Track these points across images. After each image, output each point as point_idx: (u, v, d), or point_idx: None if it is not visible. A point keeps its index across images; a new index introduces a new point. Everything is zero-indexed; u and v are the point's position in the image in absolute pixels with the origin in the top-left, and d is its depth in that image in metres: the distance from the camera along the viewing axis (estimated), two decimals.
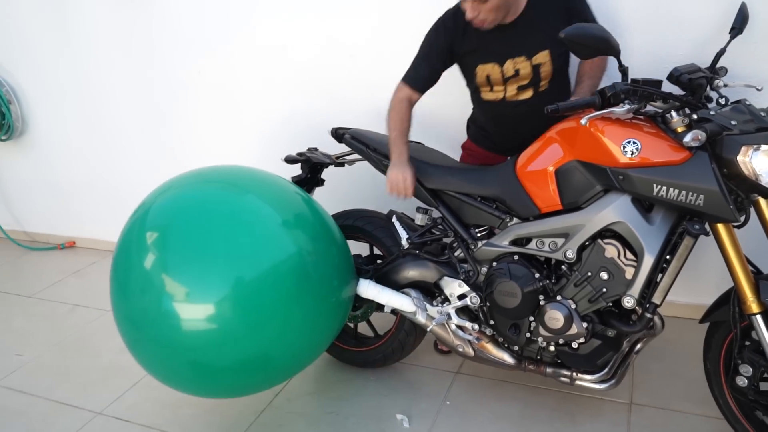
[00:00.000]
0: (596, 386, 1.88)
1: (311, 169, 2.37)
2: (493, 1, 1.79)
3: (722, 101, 1.69)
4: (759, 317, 1.56)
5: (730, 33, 1.87)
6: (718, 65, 1.92)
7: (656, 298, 1.67)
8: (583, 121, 1.60)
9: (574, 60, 2.03)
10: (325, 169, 2.42)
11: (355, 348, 2.35)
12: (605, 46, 1.52)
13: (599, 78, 2.02)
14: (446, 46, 1.98)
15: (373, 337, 2.38)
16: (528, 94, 2.00)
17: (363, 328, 2.43)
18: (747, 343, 1.66)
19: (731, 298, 1.64)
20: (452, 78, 2.07)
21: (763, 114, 1.59)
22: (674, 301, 2.48)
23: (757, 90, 1.86)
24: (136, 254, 1.76)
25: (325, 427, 2.09)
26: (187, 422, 2.17)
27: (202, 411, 2.22)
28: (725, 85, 1.80)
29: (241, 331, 1.73)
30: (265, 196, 1.91)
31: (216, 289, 1.70)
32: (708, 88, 1.74)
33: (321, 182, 2.45)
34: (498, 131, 2.15)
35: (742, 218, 1.60)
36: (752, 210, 1.63)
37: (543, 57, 1.93)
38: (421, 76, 2.02)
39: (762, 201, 1.68)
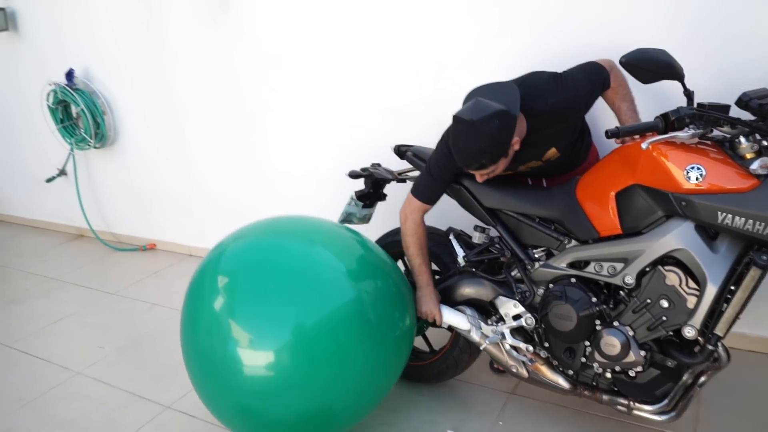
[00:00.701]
0: (655, 417, 1.82)
1: (374, 184, 2.44)
2: (500, 167, 1.82)
3: None
4: None
5: None
6: None
7: (719, 330, 1.60)
8: (644, 146, 1.57)
9: None
10: (387, 185, 2.48)
11: (411, 362, 2.38)
12: (668, 70, 1.50)
13: (629, 94, 1.98)
14: (458, 170, 1.99)
15: (428, 352, 2.41)
16: (540, 167, 2.05)
17: (419, 342, 2.46)
18: None
19: None
20: None
21: None
22: (749, 334, 2.36)
23: None
24: (208, 295, 1.86)
25: None
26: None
27: None
28: None
29: (300, 379, 1.77)
30: (330, 245, 1.97)
31: (276, 337, 1.76)
32: None
33: (383, 197, 2.52)
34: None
35: None
36: None
37: (551, 153, 1.96)
38: (435, 195, 2.05)
39: None
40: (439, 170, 2.01)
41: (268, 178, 3.49)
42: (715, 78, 2.15)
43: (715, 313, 1.61)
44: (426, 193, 2.05)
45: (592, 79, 1.90)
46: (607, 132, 1.63)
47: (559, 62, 2.03)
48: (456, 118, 1.73)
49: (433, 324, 2.14)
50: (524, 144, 1.85)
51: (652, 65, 1.49)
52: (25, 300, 3.58)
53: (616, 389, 1.86)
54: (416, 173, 2.37)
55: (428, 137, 2.64)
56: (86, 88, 3.95)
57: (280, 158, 3.38)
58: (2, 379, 2.72)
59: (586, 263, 1.85)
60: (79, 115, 3.93)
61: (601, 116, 2.26)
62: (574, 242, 1.89)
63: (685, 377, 1.78)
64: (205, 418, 2.31)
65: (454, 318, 2.09)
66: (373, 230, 2.55)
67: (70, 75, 3.90)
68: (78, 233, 4.69)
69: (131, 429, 2.30)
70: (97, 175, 4.35)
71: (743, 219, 1.50)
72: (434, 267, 2.36)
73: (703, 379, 1.82)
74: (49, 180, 4.42)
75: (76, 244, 4.54)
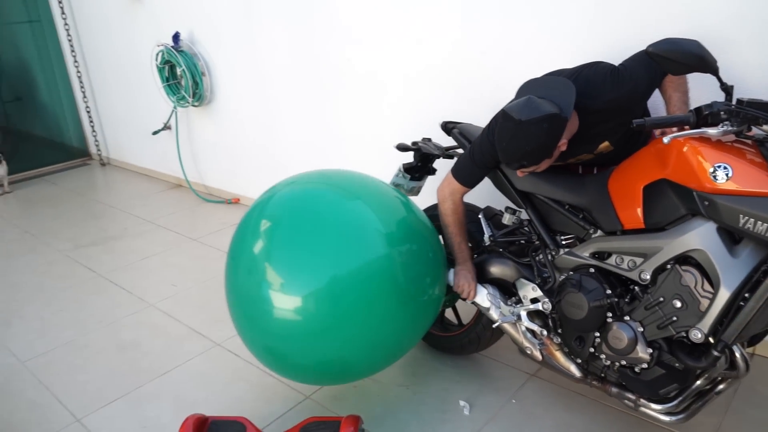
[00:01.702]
0: (662, 417, 1.78)
1: (422, 158, 2.50)
2: (542, 166, 1.78)
3: None
4: None
5: None
6: None
7: (727, 337, 1.53)
8: (665, 140, 1.51)
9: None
10: (436, 160, 2.53)
11: (437, 332, 2.45)
12: (699, 62, 1.43)
13: (684, 84, 1.87)
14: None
15: (456, 325, 2.46)
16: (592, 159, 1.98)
17: (450, 314, 2.51)
18: None
19: None
20: None
21: None
22: None
23: None
24: (250, 237, 1.95)
25: (392, 396, 2.24)
26: None
27: None
28: None
29: (323, 327, 1.84)
30: (371, 202, 2.00)
31: (303, 284, 1.83)
32: None
33: (433, 171, 2.57)
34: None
35: None
36: None
37: (604, 146, 1.88)
38: (476, 179, 2.05)
39: None
40: (482, 157, 1.99)
41: (339, 142, 3.63)
42: (762, 72, 1.97)
43: (726, 319, 1.54)
44: (466, 176, 2.05)
45: (650, 71, 1.78)
46: (632, 122, 1.58)
47: (621, 51, 1.95)
48: (505, 115, 1.68)
49: (464, 298, 2.18)
50: (575, 140, 1.81)
51: (682, 57, 1.42)
52: (123, 237, 4.01)
53: (623, 383, 1.83)
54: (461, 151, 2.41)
55: (489, 114, 2.66)
56: (189, 50, 4.28)
57: (349, 123, 3.51)
58: (90, 303, 3.11)
59: (609, 255, 1.82)
60: (181, 75, 4.26)
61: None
62: (599, 232, 1.86)
63: (699, 382, 1.72)
64: (247, 358, 2.54)
65: (477, 294, 2.13)
66: (424, 201, 2.62)
67: (176, 38, 4.24)
68: (177, 183, 5.14)
69: (183, 358, 2.57)
70: (195, 132, 4.72)
71: (766, 225, 1.41)
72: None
73: (722, 386, 1.75)
74: (155, 132, 4.86)
75: (174, 192, 4.98)
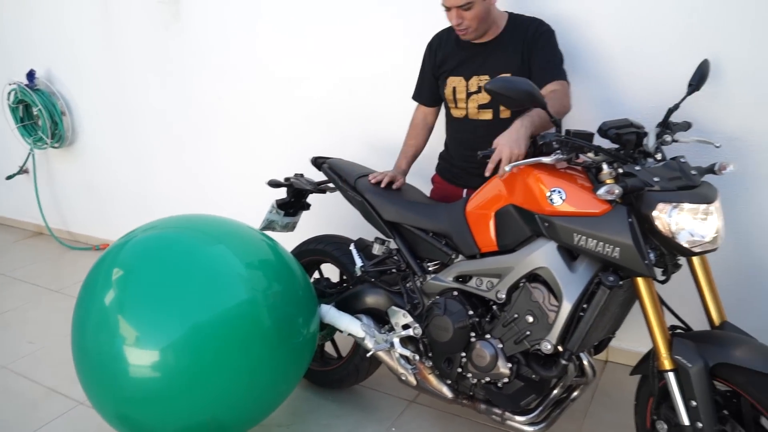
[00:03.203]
0: (526, 428, 1.88)
1: (295, 194, 2.51)
2: (474, 10, 1.94)
3: (658, 157, 1.69)
4: (671, 374, 1.54)
5: (687, 89, 1.87)
6: (683, 119, 1.94)
7: (571, 346, 1.67)
8: (507, 169, 1.65)
9: None
10: (309, 195, 2.55)
11: (317, 368, 2.44)
12: (530, 98, 1.57)
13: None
14: (433, 60, 2.21)
15: (335, 358, 2.47)
16: (488, 116, 2.12)
17: (329, 348, 2.52)
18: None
19: (650, 354, 1.63)
20: None
21: (693, 173, 1.59)
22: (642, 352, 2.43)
23: (716, 147, 1.85)
24: (101, 288, 1.81)
25: None
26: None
27: None
28: (674, 141, 1.80)
29: (186, 382, 1.72)
30: (234, 246, 1.95)
31: (163, 335, 1.71)
32: (654, 141, 1.75)
33: (307, 206, 2.59)
34: (458, 154, 2.25)
35: (664, 276, 1.61)
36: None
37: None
38: (423, 92, 2.31)
39: (694, 259, 1.68)
40: (422, 66, 2.26)
41: (213, 182, 3.56)
42: (614, 107, 2.24)
43: (570, 330, 1.68)
44: (416, 90, 2.33)
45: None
46: (478, 153, 1.72)
47: None
48: None
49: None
50: (491, 44, 2.06)
51: (514, 93, 1.57)
52: None
53: (489, 399, 1.93)
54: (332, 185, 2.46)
55: (361, 150, 2.74)
56: (47, 89, 4.03)
57: (224, 162, 3.47)
58: None
59: (470, 277, 1.92)
60: (38, 115, 3.99)
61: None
62: (461, 257, 1.97)
63: (556, 391, 1.85)
64: None
65: (350, 325, 2.16)
66: (298, 238, 2.62)
67: (30, 75, 3.98)
68: (36, 230, 4.75)
69: (40, 423, 2.34)
70: (57, 175, 4.41)
71: (595, 241, 1.57)
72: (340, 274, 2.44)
73: (576, 393, 1.90)
74: (9, 177, 4.47)
75: (33, 241, 4.59)
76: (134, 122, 3.78)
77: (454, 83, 2.14)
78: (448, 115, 2.26)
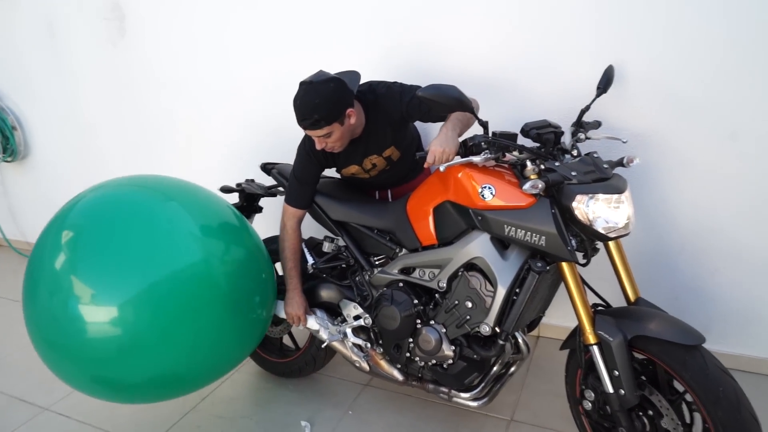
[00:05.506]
0: (470, 403, 1.90)
1: (247, 198, 2.44)
2: (335, 135, 1.82)
3: (574, 153, 1.72)
4: (595, 348, 1.58)
5: (596, 92, 1.91)
6: (593, 119, 1.99)
7: (507, 327, 1.69)
8: (441, 168, 1.64)
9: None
10: (261, 199, 2.48)
11: (276, 359, 2.39)
12: (459, 104, 1.57)
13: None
14: (318, 169, 2.03)
15: (294, 350, 2.42)
16: (385, 169, 2.07)
17: (287, 340, 2.47)
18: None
19: (576, 330, 1.66)
20: None
21: (605, 166, 1.63)
22: (569, 327, 2.50)
23: (623, 142, 1.90)
24: (49, 253, 1.65)
25: (236, 431, 2.12)
26: (119, 420, 2.21)
27: (137, 410, 2.26)
28: (588, 138, 1.84)
29: (145, 338, 1.62)
30: (189, 205, 1.81)
31: (119, 293, 1.59)
32: (570, 139, 1.79)
33: (259, 209, 2.51)
34: (365, 188, 2.23)
35: (585, 259, 1.65)
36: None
37: (390, 150, 2.00)
38: (304, 198, 2.05)
39: (610, 243, 1.73)
40: (302, 173, 2.02)
41: None
42: (533, 111, 2.28)
43: (504, 313, 1.70)
44: (294, 197, 2.05)
45: (422, 107, 1.87)
46: (416, 155, 1.70)
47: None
48: (300, 83, 1.80)
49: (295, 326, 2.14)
50: (367, 134, 1.93)
51: (444, 99, 1.56)
52: None
53: (437, 379, 1.93)
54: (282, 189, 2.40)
55: None
56: None
57: (177, 171, 3.31)
58: None
59: (414, 269, 1.92)
60: None
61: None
62: (404, 251, 1.96)
63: (495, 368, 1.88)
64: (79, 418, 2.24)
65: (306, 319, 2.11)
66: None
67: None
68: None
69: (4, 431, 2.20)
70: (13, 188, 4.13)
71: (523, 231, 1.59)
72: None
73: (513, 369, 1.93)
74: None
75: None
76: (86, 135, 3.58)
77: (352, 171, 2.05)
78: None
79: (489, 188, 1.65)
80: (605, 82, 1.90)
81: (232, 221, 1.95)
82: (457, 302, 1.77)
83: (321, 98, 1.75)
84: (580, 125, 1.85)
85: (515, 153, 1.64)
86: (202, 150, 3.18)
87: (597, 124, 1.93)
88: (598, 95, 1.90)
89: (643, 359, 1.59)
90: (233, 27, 2.82)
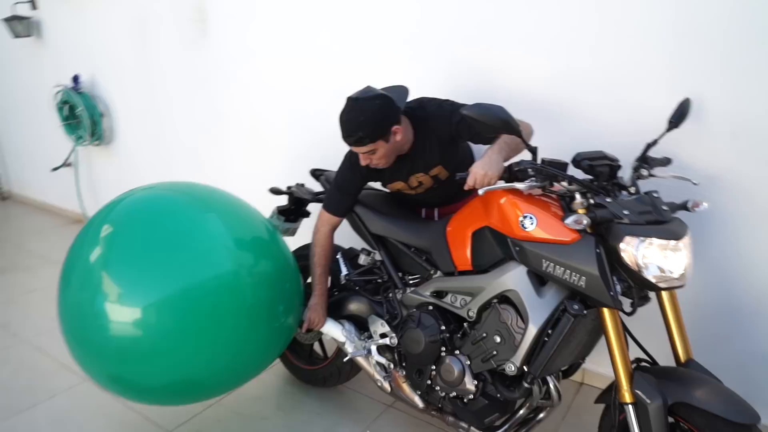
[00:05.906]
0: None
1: (295, 202, 2.43)
2: (380, 152, 1.76)
3: (632, 190, 1.55)
4: (630, 407, 1.41)
5: (666, 125, 1.73)
6: (663, 155, 1.80)
7: (534, 370, 1.54)
8: (480, 192, 1.53)
9: None
10: (308, 204, 2.46)
11: (303, 365, 2.35)
12: (503, 125, 1.46)
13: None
14: (361, 182, 1.97)
15: (322, 358, 2.37)
16: (432, 187, 1.97)
17: (318, 347, 2.42)
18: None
19: (613, 385, 1.49)
20: None
21: (665, 208, 1.46)
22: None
23: (693, 184, 1.71)
24: (87, 246, 1.66)
25: (251, 430, 2.09)
26: (141, 405, 2.23)
27: None
28: (651, 175, 1.67)
29: (165, 343, 1.62)
30: (226, 217, 1.83)
31: (145, 295, 1.60)
32: (632, 174, 1.62)
33: (306, 213, 2.49)
34: (411, 204, 2.13)
35: (631, 308, 1.47)
36: None
37: (438, 170, 1.89)
38: (342, 207, 2.00)
39: (663, 294, 1.54)
40: (344, 182, 1.97)
41: (226, 187, 3.49)
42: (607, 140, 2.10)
43: (534, 353, 1.56)
44: (333, 204, 2.01)
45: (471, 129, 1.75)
46: (455, 175, 1.60)
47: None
48: (347, 98, 1.74)
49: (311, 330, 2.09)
50: (414, 152, 1.85)
51: (489, 119, 1.45)
52: (8, 271, 3.62)
53: (456, 413, 1.81)
54: None
55: None
56: (90, 92, 4.03)
57: (237, 169, 3.40)
58: None
59: (446, 293, 1.81)
60: (80, 115, 3.99)
61: None
62: (439, 273, 1.86)
63: (522, 411, 1.73)
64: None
65: (332, 329, 2.06)
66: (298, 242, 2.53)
67: (76, 79, 3.98)
68: (77, 219, 4.75)
69: (46, 395, 2.30)
70: (96, 169, 4.41)
71: (562, 268, 1.45)
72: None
73: (542, 415, 1.77)
74: (54, 169, 4.48)
75: (73, 227, 4.58)
76: (162, 128, 3.75)
77: (397, 187, 1.97)
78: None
79: (530, 218, 1.52)
80: (679, 116, 1.72)
81: (263, 235, 1.94)
82: (485, 335, 1.65)
83: (366, 115, 1.69)
84: (644, 160, 1.67)
85: (564, 183, 1.50)
86: (261, 149, 3.23)
87: (666, 161, 1.74)
88: (668, 129, 1.71)
89: (685, 429, 1.39)
90: (302, 34, 2.84)
